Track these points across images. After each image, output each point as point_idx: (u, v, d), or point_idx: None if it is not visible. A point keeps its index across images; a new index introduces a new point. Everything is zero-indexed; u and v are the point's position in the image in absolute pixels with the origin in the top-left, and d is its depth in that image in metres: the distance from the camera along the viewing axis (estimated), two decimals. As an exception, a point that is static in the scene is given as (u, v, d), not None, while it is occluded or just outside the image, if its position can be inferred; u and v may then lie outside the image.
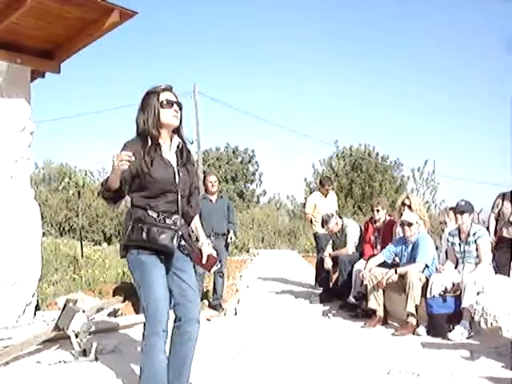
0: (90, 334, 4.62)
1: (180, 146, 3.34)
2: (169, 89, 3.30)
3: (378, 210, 7.28)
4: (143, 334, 3.16)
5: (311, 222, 9.52)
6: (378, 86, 54.46)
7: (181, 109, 3.32)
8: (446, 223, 6.84)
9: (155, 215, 3.15)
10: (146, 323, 3.14)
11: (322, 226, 8.15)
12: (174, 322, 3.26)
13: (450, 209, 6.35)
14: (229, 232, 7.49)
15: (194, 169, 3.53)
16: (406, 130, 50.49)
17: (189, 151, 3.42)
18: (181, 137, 3.37)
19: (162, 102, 3.22)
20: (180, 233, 3.20)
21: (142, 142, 3.19)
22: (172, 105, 3.25)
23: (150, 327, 3.12)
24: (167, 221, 3.15)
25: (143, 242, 3.11)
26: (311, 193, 13.14)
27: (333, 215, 7.87)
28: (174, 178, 3.23)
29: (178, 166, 3.28)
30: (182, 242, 3.25)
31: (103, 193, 3.09)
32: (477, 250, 5.74)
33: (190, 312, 3.23)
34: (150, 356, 3.12)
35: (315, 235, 9.43)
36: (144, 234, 3.10)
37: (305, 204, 10.73)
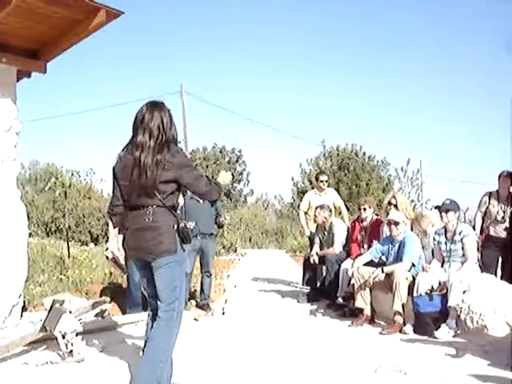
0: (77, 335, 4.60)
1: None
2: None
3: (364, 209, 7.33)
4: (166, 325, 3.39)
5: (307, 223, 8.93)
6: (365, 85, 54.68)
7: None
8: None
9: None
10: (173, 315, 3.40)
11: (315, 216, 8.06)
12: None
13: (436, 207, 6.36)
14: (220, 226, 7.62)
15: None
16: (393, 129, 50.94)
17: None
18: None
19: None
20: None
21: None
22: None
23: (180, 310, 3.47)
24: None
25: (189, 241, 3.45)
26: (299, 193, 12.92)
27: (328, 207, 7.93)
28: None
29: None
30: None
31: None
32: (463, 248, 5.78)
33: None
34: (178, 330, 3.46)
35: (309, 237, 8.88)
36: (190, 234, 3.47)
37: (291, 204, 10.61)
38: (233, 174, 3.74)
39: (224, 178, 3.71)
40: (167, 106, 3.52)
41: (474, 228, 6.95)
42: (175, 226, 3.37)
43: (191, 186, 3.43)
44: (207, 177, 3.48)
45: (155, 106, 3.45)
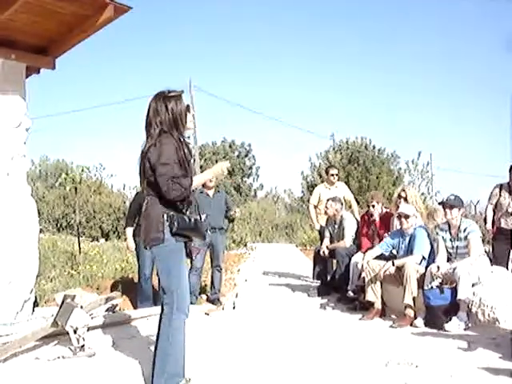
0: (88, 330, 4.62)
1: None
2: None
3: (373, 206, 7.26)
4: (166, 319, 3.38)
5: (317, 217, 8.93)
6: (374, 78, 54.44)
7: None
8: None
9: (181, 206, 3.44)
10: (172, 308, 3.37)
11: (326, 208, 8.03)
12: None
13: (439, 203, 6.25)
14: (231, 220, 7.59)
15: None
16: (404, 123, 50.66)
17: None
18: None
19: (188, 106, 3.53)
20: None
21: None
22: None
23: (178, 312, 3.37)
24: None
25: (190, 231, 3.39)
26: (309, 187, 12.84)
27: (340, 199, 7.92)
28: None
29: None
30: None
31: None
32: (467, 245, 5.69)
33: None
34: (176, 338, 3.38)
35: (319, 231, 8.86)
36: (192, 223, 3.39)
37: (301, 198, 10.56)
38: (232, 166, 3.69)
39: (216, 168, 3.70)
40: (172, 92, 3.50)
41: (485, 220, 6.92)
42: (164, 216, 3.33)
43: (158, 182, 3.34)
44: (173, 178, 3.27)
45: (154, 97, 3.49)
